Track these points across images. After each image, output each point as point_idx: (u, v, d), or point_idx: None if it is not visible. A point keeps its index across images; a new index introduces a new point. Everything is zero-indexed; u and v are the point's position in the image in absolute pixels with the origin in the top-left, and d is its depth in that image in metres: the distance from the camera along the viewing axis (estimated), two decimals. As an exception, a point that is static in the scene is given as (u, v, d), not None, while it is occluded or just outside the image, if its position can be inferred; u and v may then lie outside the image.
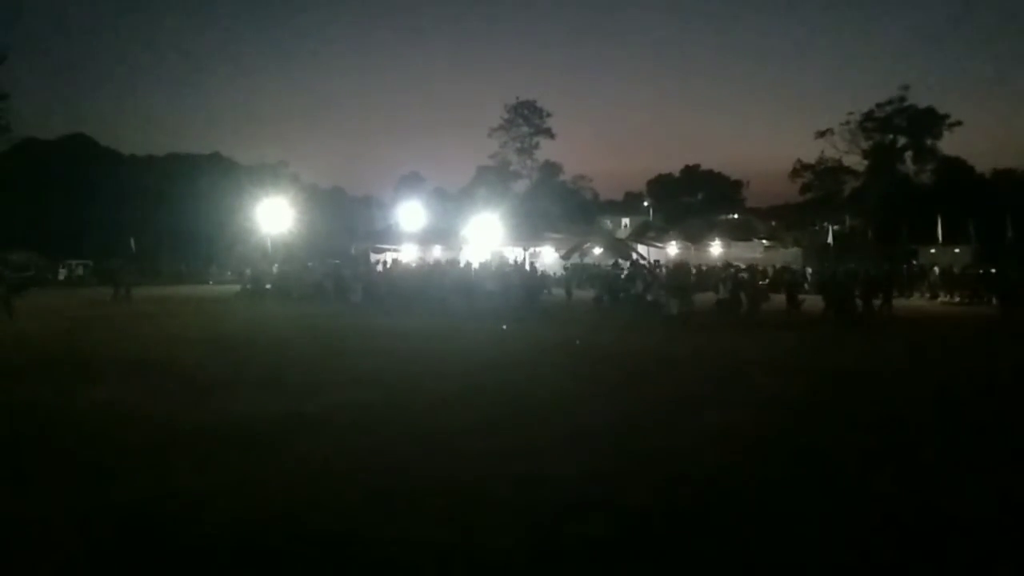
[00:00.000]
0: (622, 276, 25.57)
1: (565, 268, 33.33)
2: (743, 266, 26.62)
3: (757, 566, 3.87)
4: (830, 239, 49.12)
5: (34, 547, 4.04)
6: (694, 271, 25.17)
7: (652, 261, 30.43)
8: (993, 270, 28.36)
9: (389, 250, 38.96)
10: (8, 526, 4.35)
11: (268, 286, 29.18)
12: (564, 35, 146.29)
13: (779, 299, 23.30)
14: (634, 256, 27.47)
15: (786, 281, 25.48)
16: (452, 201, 63.41)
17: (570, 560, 3.91)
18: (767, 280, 28.65)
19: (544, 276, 28.74)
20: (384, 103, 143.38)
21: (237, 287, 32.00)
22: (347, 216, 58.33)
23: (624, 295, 23.63)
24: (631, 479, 5.33)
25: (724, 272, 23.12)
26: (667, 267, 24.50)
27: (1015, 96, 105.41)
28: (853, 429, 7.11)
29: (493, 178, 69.36)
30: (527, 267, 27.10)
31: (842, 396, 8.92)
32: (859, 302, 19.69)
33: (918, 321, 20.32)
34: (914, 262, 37.61)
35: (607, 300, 23.68)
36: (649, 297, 21.38)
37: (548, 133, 70.93)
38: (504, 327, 16.89)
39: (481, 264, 26.65)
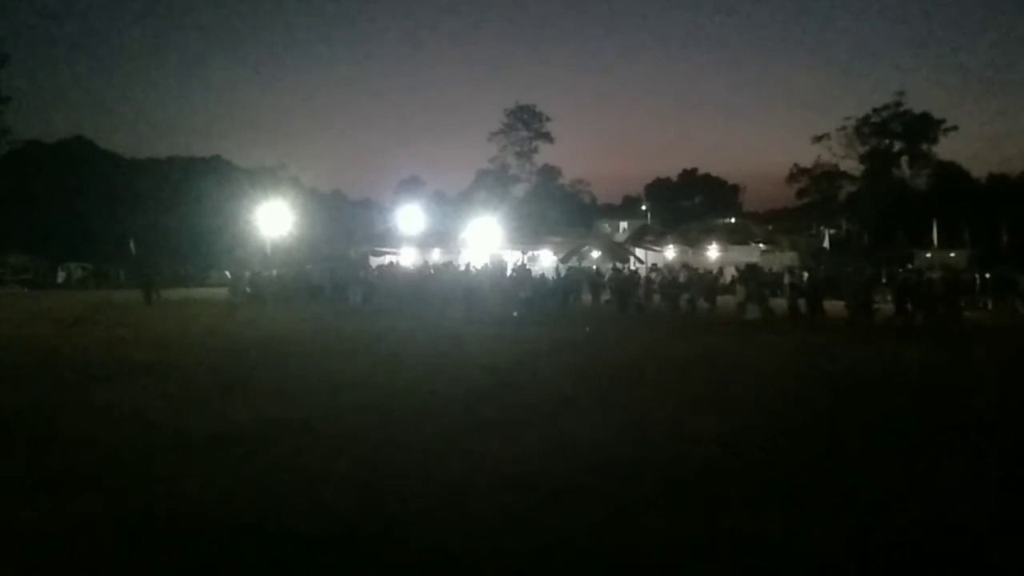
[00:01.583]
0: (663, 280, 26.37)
1: (595, 271, 33.51)
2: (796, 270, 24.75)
3: None
4: (826, 243, 49.45)
5: (39, 553, 4.03)
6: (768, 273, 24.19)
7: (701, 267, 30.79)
8: (987, 274, 28.63)
9: (388, 253, 39.09)
10: (10, 529, 4.38)
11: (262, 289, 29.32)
12: (563, 40, 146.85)
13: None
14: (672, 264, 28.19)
15: (859, 287, 22.21)
16: (451, 205, 63.56)
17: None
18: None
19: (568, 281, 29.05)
20: (384, 107, 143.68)
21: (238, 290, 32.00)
22: (346, 219, 58.39)
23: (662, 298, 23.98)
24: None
25: (780, 275, 21.94)
26: (742, 271, 24.24)
27: (1011, 101, 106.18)
28: None
29: (492, 182, 69.50)
30: (561, 273, 28.26)
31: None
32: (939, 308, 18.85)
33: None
34: (909, 266, 37.92)
35: (624, 303, 23.82)
36: (741, 300, 21.23)
37: (547, 137, 71.12)
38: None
39: (500, 267, 27.33)
